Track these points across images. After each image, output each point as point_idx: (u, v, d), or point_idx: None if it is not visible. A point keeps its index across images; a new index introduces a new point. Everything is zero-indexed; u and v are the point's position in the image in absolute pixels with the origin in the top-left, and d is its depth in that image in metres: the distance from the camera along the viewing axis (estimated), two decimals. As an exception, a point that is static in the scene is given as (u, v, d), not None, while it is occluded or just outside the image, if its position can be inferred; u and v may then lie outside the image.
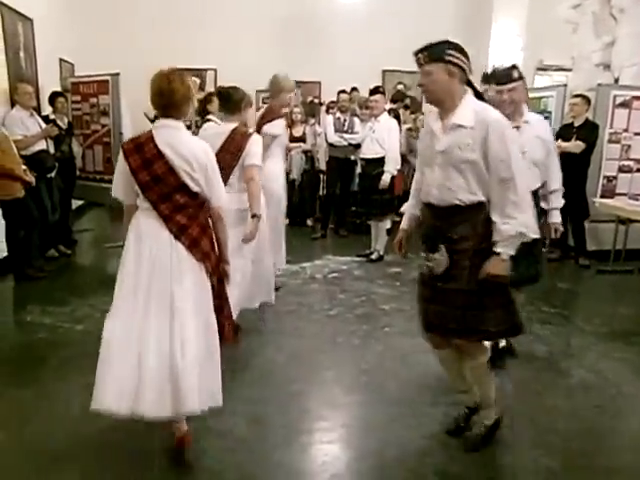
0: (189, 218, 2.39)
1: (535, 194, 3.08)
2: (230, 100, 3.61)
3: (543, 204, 3.28)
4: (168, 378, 2.32)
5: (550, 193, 3.29)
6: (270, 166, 4.32)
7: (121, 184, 2.44)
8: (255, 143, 3.52)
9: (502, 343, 3.46)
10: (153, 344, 2.32)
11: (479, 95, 2.38)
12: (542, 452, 2.62)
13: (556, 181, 3.30)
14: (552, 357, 3.64)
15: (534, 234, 2.31)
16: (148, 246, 2.36)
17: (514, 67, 3.09)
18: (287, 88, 4.47)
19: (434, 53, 2.23)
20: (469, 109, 2.27)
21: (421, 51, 2.26)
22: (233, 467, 2.49)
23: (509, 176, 2.23)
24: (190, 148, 2.36)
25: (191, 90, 2.40)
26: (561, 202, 3.35)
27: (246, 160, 3.47)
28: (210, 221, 2.52)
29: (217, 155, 3.27)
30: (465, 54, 2.26)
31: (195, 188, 2.38)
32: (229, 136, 3.49)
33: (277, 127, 4.42)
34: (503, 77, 3.04)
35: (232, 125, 3.56)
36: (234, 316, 3.46)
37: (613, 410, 3.03)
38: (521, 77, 3.06)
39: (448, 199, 2.33)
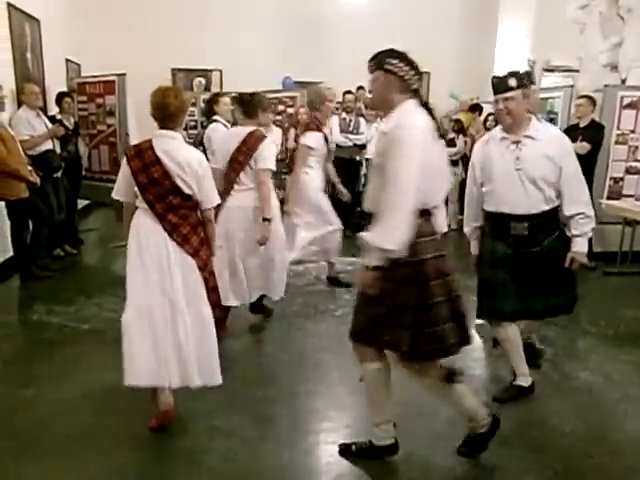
0: (181, 217, 2.69)
1: (550, 215, 2.84)
2: (249, 105, 3.79)
3: (567, 231, 2.89)
4: (176, 356, 2.66)
5: (569, 218, 2.83)
6: (305, 176, 4.53)
7: (122, 186, 2.74)
8: (267, 147, 3.67)
9: (521, 382, 3.10)
10: (161, 327, 2.65)
11: (426, 106, 2.26)
12: (548, 454, 2.61)
13: (575, 205, 2.80)
14: (557, 359, 3.62)
15: (388, 246, 2.07)
16: (146, 242, 2.66)
17: (513, 74, 2.76)
18: (329, 97, 4.59)
19: (378, 61, 2.23)
20: (393, 116, 2.20)
21: (371, 59, 2.28)
22: (238, 466, 2.49)
23: (388, 184, 2.11)
24: (184, 155, 2.66)
25: (185, 103, 2.72)
26: (585, 229, 2.83)
27: (257, 164, 3.63)
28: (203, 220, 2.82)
29: (233, 155, 3.62)
30: (409, 63, 2.20)
31: (187, 191, 2.66)
32: (244, 138, 3.67)
33: (311, 139, 4.52)
34: (500, 85, 2.76)
35: (250, 128, 3.73)
36: (252, 300, 3.95)
37: (619, 412, 3.02)
38: (521, 86, 2.73)
39: (373, 208, 2.29)
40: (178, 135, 2.71)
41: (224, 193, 3.65)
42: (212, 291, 2.82)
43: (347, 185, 7.10)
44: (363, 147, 6.73)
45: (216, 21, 8.87)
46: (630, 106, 5.79)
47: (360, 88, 8.06)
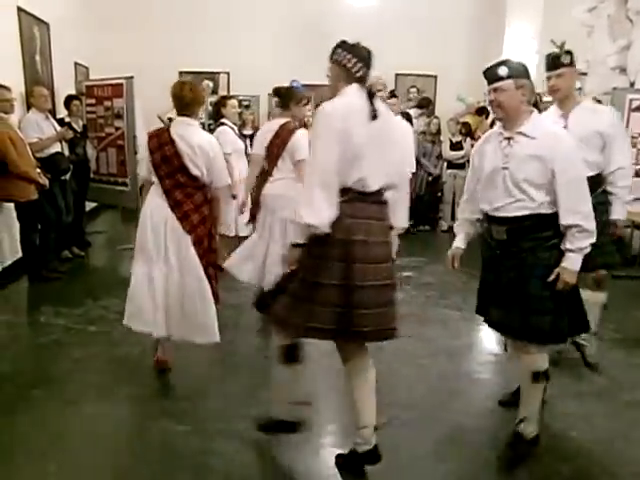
0: (185, 195, 3.06)
1: (540, 221, 2.48)
2: (284, 97, 4.02)
3: (562, 244, 2.48)
4: (163, 312, 3.12)
5: (566, 228, 2.45)
6: None
7: (145, 164, 3.19)
8: (300, 139, 3.80)
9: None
10: (158, 283, 3.09)
11: (370, 92, 2.33)
12: (555, 458, 2.60)
13: (571, 215, 2.41)
14: (565, 363, 3.60)
15: (306, 219, 2.19)
16: (151, 213, 3.10)
17: (503, 62, 2.50)
18: (377, 86, 4.49)
19: (331, 53, 2.37)
20: None
21: None
22: (243, 469, 2.50)
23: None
24: (197, 139, 3.05)
25: (199, 95, 3.14)
26: (580, 244, 2.42)
27: (295, 156, 3.78)
28: (210, 200, 3.19)
29: (267, 146, 3.86)
30: (356, 54, 2.30)
31: (194, 171, 3.04)
32: (277, 131, 3.85)
33: None
34: (490, 74, 2.50)
35: (282, 121, 3.91)
36: (267, 285, 3.92)
37: (627, 417, 2.99)
38: (512, 76, 2.43)
39: None
40: (194, 122, 3.14)
41: (261, 182, 3.92)
42: (210, 265, 3.19)
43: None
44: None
45: (224, 24, 8.90)
46: (639, 109, 5.76)
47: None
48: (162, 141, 3.03)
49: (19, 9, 5.48)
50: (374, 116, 2.25)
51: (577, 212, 2.41)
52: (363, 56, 2.32)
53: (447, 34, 9.26)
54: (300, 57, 8.64)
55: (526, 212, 2.48)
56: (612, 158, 3.11)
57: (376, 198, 2.32)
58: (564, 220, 2.44)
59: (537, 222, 2.48)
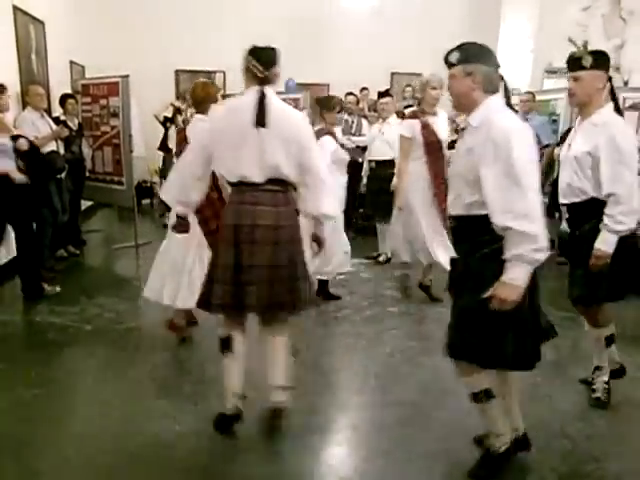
0: None
1: (474, 224, 2.18)
2: (318, 105, 4.45)
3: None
4: (160, 277, 3.64)
5: (502, 231, 2.07)
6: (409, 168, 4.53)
7: None
8: (323, 144, 4.03)
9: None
10: (168, 267, 3.59)
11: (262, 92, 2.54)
12: (552, 456, 2.60)
13: (501, 214, 2.03)
14: (561, 361, 3.62)
15: (163, 197, 2.84)
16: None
17: (457, 47, 2.22)
18: (432, 84, 4.43)
19: None
20: None
21: None
22: (242, 468, 2.50)
23: None
24: (202, 133, 3.30)
25: (210, 93, 3.49)
26: (517, 250, 2.00)
27: None
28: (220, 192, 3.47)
29: None
30: (259, 57, 2.55)
31: None
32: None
33: (405, 128, 4.56)
34: (445, 61, 2.27)
35: (318, 127, 4.15)
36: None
37: (623, 414, 3.01)
38: (462, 61, 2.17)
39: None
40: (205, 118, 3.37)
41: None
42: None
43: (349, 187, 7.13)
44: (364, 149, 6.72)
45: (219, 23, 8.89)
46: (632, 107, 5.78)
47: (364, 89, 8.09)
48: (181, 135, 3.58)
49: (15, 8, 5.46)
50: (260, 116, 2.47)
51: (507, 211, 2.01)
52: (265, 59, 2.54)
53: (442, 33, 9.21)
54: (295, 56, 8.64)
55: (460, 212, 2.23)
56: (602, 183, 2.72)
57: (269, 187, 2.53)
58: (494, 220, 2.05)
59: (472, 224, 2.20)
